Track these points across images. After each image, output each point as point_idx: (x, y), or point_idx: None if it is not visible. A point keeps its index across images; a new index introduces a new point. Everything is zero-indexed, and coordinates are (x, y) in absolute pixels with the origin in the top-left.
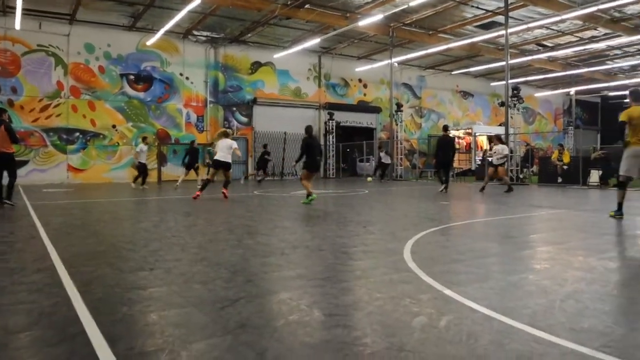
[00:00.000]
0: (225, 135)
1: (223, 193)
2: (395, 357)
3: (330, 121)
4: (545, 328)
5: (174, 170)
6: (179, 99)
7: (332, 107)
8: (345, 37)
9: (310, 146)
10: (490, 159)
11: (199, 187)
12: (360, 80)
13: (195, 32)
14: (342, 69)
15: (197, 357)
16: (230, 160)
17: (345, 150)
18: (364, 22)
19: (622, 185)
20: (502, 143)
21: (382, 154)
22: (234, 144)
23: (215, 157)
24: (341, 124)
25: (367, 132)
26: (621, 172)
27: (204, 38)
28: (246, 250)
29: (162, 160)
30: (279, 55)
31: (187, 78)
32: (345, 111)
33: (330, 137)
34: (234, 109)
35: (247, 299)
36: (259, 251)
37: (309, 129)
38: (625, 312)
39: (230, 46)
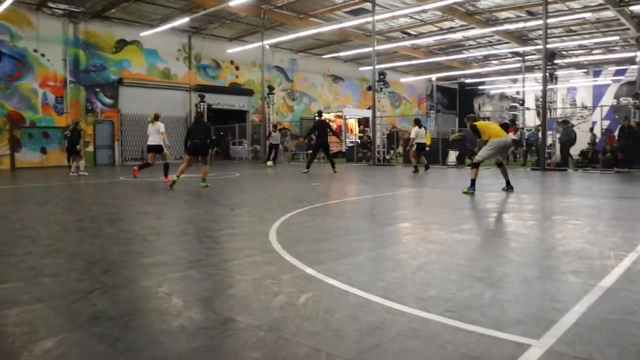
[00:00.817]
0: (156, 118)
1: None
2: (252, 337)
3: (202, 103)
4: (396, 299)
5: (29, 157)
6: (34, 77)
7: (203, 89)
8: (216, 17)
9: (189, 131)
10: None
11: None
12: (232, 62)
13: (51, 4)
14: (213, 50)
15: (39, 357)
16: (161, 143)
17: (219, 134)
18: (234, 3)
19: (476, 165)
20: (420, 127)
21: (273, 134)
22: (161, 128)
23: (148, 142)
24: (213, 107)
25: (240, 115)
26: (479, 158)
27: (61, 11)
28: (106, 240)
29: (15, 145)
30: (146, 33)
31: (42, 55)
32: (217, 93)
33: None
34: (98, 89)
35: (102, 290)
36: (120, 239)
37: (196, 115)
38: (467, 279)
39: (92, 22)
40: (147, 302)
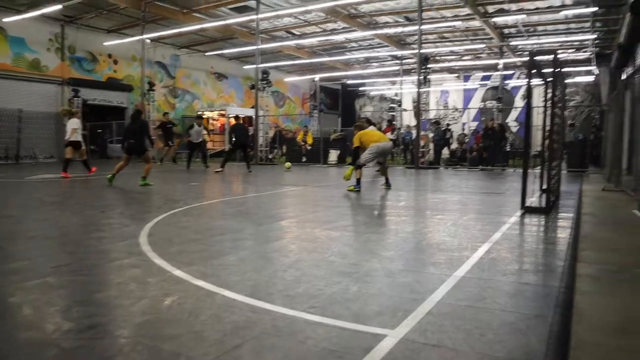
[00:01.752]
0: (70, 114)
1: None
2: (110, 345)
3: (76, 99)
4: (264, 297)
5: None
6: None
7: (77, 83)
8: (93, 6)
9: (126, 130)
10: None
11: None
12: (110, 56)
13: None
14: (89, 42)
15: None
16: (80, 139)
17: (96, 131)
18: None
19: (360, 167)
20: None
21: (191, 131)
22: (74, 124)
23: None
24: (88, 102)
25: (118, 112)
26: (362, 161)
27: None
28: None
29: None
30: (10, 19)
31: None
32: (93, 88)
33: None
34: None
35: None
36: None
37: (133, 113)
38: (335, 275)
39: None
40: None
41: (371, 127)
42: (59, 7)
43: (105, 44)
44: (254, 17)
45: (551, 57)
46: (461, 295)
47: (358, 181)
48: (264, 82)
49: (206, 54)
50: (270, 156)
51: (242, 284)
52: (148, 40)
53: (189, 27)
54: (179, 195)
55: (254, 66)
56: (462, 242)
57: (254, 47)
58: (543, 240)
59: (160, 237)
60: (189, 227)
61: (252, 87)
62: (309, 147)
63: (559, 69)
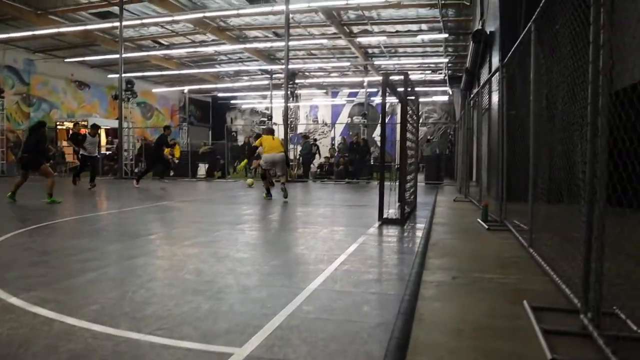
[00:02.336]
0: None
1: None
2: None
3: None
4: (107, 322)
5: None
6: None
7: None
8: None
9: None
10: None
11: None
12: None
13: None
14: None
15: None
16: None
17: None
18: None
19: (264, 177)
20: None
21: (86, 144)
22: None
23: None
24: None
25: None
26: (262, 169)
27: None
28: None
29: None
30: None
31: None
32: None
33: None
34: None
35: None
36: None
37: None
38: (188, 293)
39: None
40: None
41: (270, 136)
42: None
43: None
44: (117, 24)
45: (409, 76)
46: (311, 307)
47: (268, 190)
48: (129, 92)
49: (66, 60)
50: (136, 170)
51: (85, 309)
52: None
53: (44, 30)
54: (30, 213)
55: (118, 75)
56: (319, 255)
57: (117, 56)
58: (395, 250)
59: None
60: (34, 248)
61: (115, 97)
62: (176, 161)
63: (409, 89)
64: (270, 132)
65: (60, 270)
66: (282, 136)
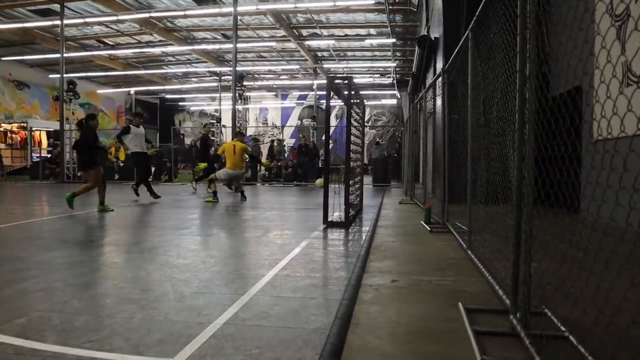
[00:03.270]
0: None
1: None
2: None
3: None
4: (33, 336)
5: None
6: None
7: None
8: None
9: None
10: None
11: None
12: None
13: None
14: None
15: None
16: None
17: None
18: None
19: (212, 181)
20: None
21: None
22: None
23: None
24: None
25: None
26: (216, 176)
27: None
28: None
29: None
30: None
31: None
32: None
33: None
34: None
35: None
36: None
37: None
38: (122, 303)
39: None
40: None
41: (233, 143)
42: None
43: None
44: (57, 22)
45: (353, 79)
46: (248, 314)
47: (214, 194)
48: (71, 93)
49: (2, 58)
50: (79, 174)
51: (10, 323)
52: None
53: None
54: None
55: (59, 75)
56: (261, 260)
57: (59, 55)
58: (338, 253)
59: None
60: None
61: (57, 98)
62: (121, 164)
63: (355, 92)
64: (241, 134)
65: None
66: (230, 139)
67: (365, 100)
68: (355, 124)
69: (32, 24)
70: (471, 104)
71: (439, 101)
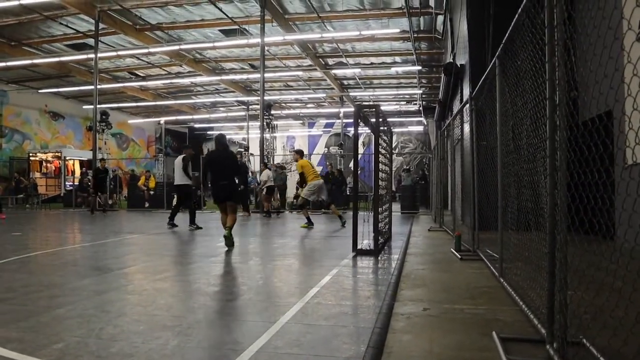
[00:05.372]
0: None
1: None
2: None
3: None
4: None
5: None
6: None
7: None
8: None
9: (209, 164)
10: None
11: None
12: None
13: None
14: None
15: None
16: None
17: None
18: None
19: (303, 207)
20: (267, 168)
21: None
22: None
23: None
24: None
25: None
26: (304, 197)
27: None
28: None
29: None
30: None
31: None
32: None
33: None
34: None
35: None
36: None
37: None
38: (156, 329)
39: None
40: None
41: (305, 160)
42: None
43: None
44: (92, 55)
45: (380, 107)
46: (280, 342)
47: (308, 219)
48: (104, 123)
49: (40, 91)
50: (110, 202)
51: (49, 348)
52: None
53: (18, 61)
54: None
55: (93, 106)
56: (292, 288)
57: (92, 87)
58: (368, 281)
59: None
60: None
61: (90, 128)
62: (151, 192)
63: (382, 119)
64: (302, 154)
65: (26, 308)
66: (258, 167)
67: (392, 128)
68: (383, 151)
69: (68, 58)
70: (500, 130)
71: (466, 128)
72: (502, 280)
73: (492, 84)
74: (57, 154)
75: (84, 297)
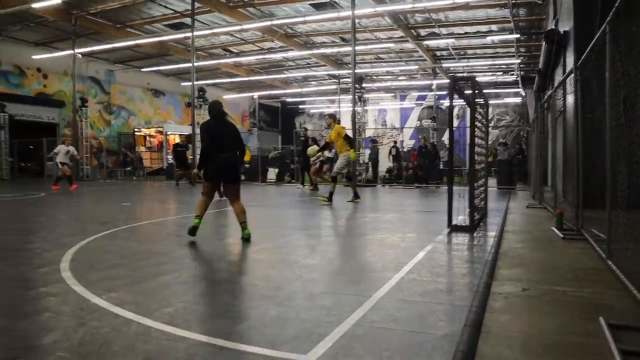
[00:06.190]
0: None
1: None
2: None
3: (2, 114)
4: (180, 324)
5: None
6: None
7: (3, 98)
8: (19, 18)
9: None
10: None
11: None
12: (39, 70)
13: None
14: (15, 54)
15: None
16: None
17: (28, 148)
18: (39, 5)
19: (335, 179)
20: (316, 144)
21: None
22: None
23: None
24: (16, 118)
25: (49, 128)
26: (336, 170)
27: None
28: None
29: None
30: None
31: None
32: (21, 103)
33: (3, 132)
34: None
35: None
36: None
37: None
38: (256, 299)
39: None
40: None
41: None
42: None
43: (34, 57)
44: (189, 34)
45: (479, 77)
46: (376, 316)
47: (331, 195)
48: (201, 99)
49: (142, 70)
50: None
51: (160, 311)
52: (80, 55)
53: (122, 42)
54: (108, 217)
55: (191, 83)
56: (386, 263)
57: (190, 65)
58: (464, 259)
59: (82, 262)
60: (114, 251)
61: (189, 104)
62: (247, 165)
63: (477, 92)
64: (335, 118)
65: (138, 273)
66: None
67: (487, 99)
68: (478, 124)
69: (167, 37)
70: (609, 102)
71: (570, 99)
72: (609, 262)
73: (601, 52)
74: (159, 129)
75: (187, 265)
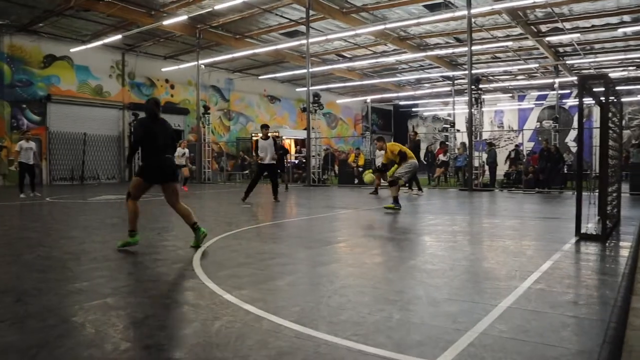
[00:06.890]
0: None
1: None
2: None
3: (135, 122)
4: (308, 323)
5: None
6: None
7: (137, 108)
8: (151, 35)
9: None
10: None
11: None
12: (167, 81)
13: None
14: (147, 68)
15: None
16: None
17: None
18: (169, 22)
19: (395, 183)
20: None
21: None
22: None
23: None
24: None
25: (176, 134)
26: (397, 175)
27: None
28: (22, 267)
29: None
30: (76, 49)
31: None
32: None
33: None
34: (24, 106)
35: (12, 321)
36: (37, 266)
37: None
38: (379, 302)
39: (17, 35)
40: (58, 333)
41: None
42: (119, 37)
43: (163, 69)
44: (304, 41)
45: (609, 74)
46: (505, 326)
47: (396, 199)
48: (315, 104)
49: (259, 77)
50: (324, 177)
51: (288, 309)
52: (203, 66)
53: (241, 52)
54: (232, 217)
55: (306, 89)
56: (511, 271)
57: (305, 71)
58: (596, 270)
59: (212, 260)
60: (240, 250)
61: (304, 109)
62: (360, 169)
63: (611, 90)
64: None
65: (263, 272)
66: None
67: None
68: (611, 125)
69: (283, 45)
70: None
71: None
72: None
73: None
74: (275, 133)
75: (310, 266)
